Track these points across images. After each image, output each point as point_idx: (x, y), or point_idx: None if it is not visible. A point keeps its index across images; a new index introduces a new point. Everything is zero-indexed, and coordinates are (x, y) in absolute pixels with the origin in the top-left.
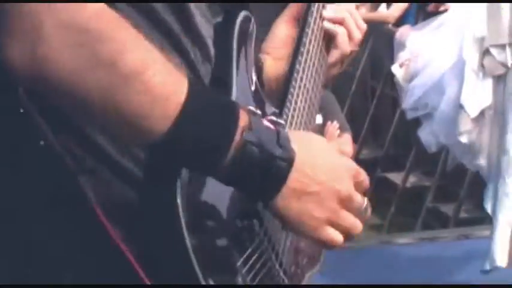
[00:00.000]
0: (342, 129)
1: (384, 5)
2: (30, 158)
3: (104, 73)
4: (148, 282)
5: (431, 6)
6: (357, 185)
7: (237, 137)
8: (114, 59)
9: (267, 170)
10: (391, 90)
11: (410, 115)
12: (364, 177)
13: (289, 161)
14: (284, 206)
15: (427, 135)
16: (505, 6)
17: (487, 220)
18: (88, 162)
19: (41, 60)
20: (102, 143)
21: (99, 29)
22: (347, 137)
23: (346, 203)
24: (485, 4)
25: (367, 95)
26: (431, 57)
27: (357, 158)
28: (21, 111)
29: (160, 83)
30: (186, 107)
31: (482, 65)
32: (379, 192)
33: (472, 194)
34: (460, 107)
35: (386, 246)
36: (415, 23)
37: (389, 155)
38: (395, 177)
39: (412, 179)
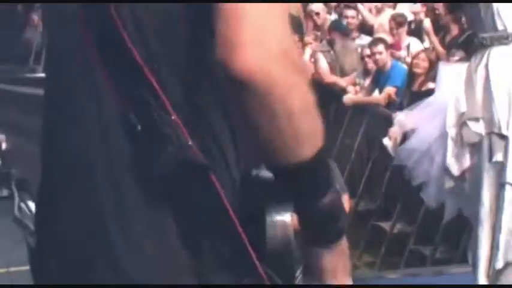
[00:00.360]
0: (340, 190)
1: (376, 90)
2: (171, 156)
3: (295, 98)
4: (257, 264)
5: (415, 87)
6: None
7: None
8: (303, 90)
9: (339, 219)
10: (383, 157)
11: (414, 183)
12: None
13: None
14: (337, 251)
15: (427, 196)
16: (479, 87)
17: (457, 259)
18: (218, 163)
19: (267, 71)
20: (234, 150)
21: (298, 62)
22: (345, 197)
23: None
24: (463, 86)
25: (363, 162)
26: (419, 130)
27: (355, 210)
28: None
29: (320, 121)
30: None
31: (461, 135)
32: (372, 237)
33: (445, 239)
34: (445, 169)
35: (379, 280)
36: (401, 102)
37: (381, 207)
38: (385, 225)
39: (398, 227)
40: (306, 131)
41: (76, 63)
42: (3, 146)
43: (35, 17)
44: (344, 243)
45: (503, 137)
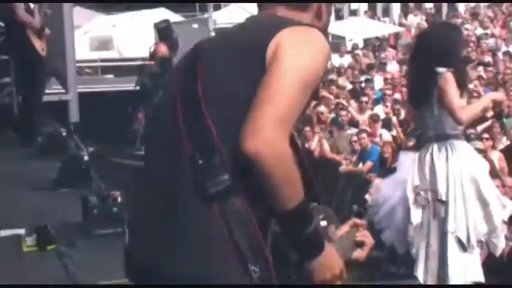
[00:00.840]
0: (335, 226)
1: (361, 163)
2: (220, 183)
3: (287, 170)
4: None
5: (387, 164)
6: (340, 273)
7: (315, 222)
8: (293, 168)
9: (319, 241)
10: (364, 207)
11: (376, 227)
12: (342, 270)
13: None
14: (316, 266)
15: (384, 237)
16: (427, 169)
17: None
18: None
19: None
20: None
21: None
22: (333, 227)
23: (334, 277)
24: (416, 168)
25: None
26: (388, 193)
27: None
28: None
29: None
30: (302, 201)
31: (416, 200)
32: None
33: (406, 261)
34: (410, 222)
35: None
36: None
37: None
38: None
39: (374, 252)
40: (296, 190)
41: (168, 140)
42: (119, 199)
43: (140, 115)
44: (325, 257)
45: (443, 202)
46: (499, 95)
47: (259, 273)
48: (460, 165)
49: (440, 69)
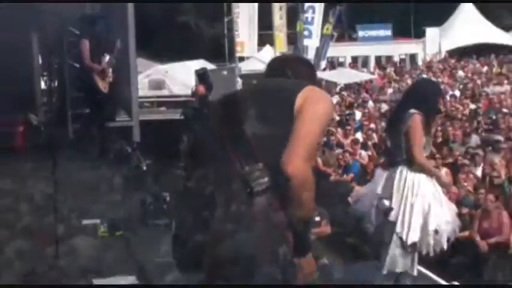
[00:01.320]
0: (326, 221)
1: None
2: (262, 185)
3: (309, 190)
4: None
5: (369, 176)
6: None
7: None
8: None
9: (309, 245)
10: (348, 205)
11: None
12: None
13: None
14: (301, 262)
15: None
16: (389, 183)
17: None
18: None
19: (306, 174)
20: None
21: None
22: (325, 222)
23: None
24: (383, 181)
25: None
26: (364, 198)
27: (336, 232)
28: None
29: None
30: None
31: (377, 206)
32: (345, 244)
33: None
34: (370, 222)
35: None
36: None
37: (348, 230)
38: (350, 239)
39: (356, 240)
40: (312, 204)
41: (214, 150)
42: (168, 199)
43: (184, 137)
44: (309, 257)
45: (391, 209)
46: (448, 184)
47: (283, 257)
48: (413, 180)
49: (413, 110)
